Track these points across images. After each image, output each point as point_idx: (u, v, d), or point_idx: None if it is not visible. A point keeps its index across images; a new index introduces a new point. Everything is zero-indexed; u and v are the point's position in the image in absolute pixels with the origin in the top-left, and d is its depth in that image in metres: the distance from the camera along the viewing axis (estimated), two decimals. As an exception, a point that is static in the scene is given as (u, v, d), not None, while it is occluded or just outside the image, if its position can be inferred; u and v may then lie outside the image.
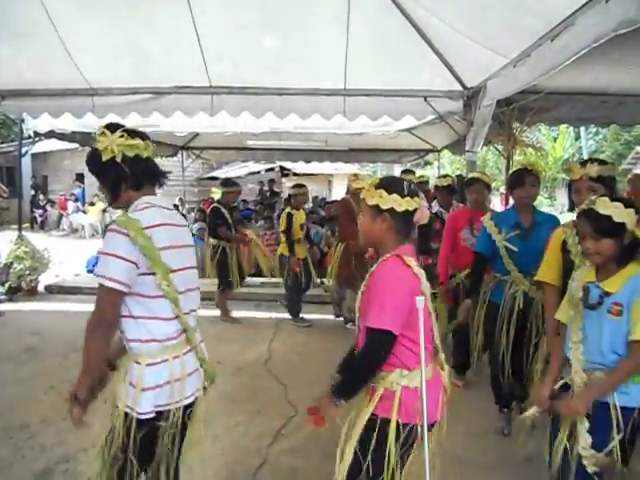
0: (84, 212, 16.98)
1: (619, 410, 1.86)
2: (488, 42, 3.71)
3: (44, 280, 7.35)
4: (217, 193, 17.70)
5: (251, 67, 4.74)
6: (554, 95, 4.48)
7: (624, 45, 3.14)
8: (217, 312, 6.20)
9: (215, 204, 5.96)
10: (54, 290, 7.46)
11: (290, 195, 6.05)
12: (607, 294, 1.92)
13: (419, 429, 1.71)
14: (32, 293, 6.94)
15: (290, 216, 5.77)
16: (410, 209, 1.76)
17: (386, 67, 4.68)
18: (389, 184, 1.79)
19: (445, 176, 4.82)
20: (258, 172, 16.05)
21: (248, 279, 8.09)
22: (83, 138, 6.81)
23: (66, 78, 4.92)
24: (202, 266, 8.84)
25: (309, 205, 13.50)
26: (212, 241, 6.01)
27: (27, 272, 6.74)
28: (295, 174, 16.07)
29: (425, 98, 4.81)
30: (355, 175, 5.69)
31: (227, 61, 4.76)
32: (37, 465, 2.82)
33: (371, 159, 11.22)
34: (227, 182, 6.16)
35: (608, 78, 4.23)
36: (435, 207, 4.67)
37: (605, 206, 1.90)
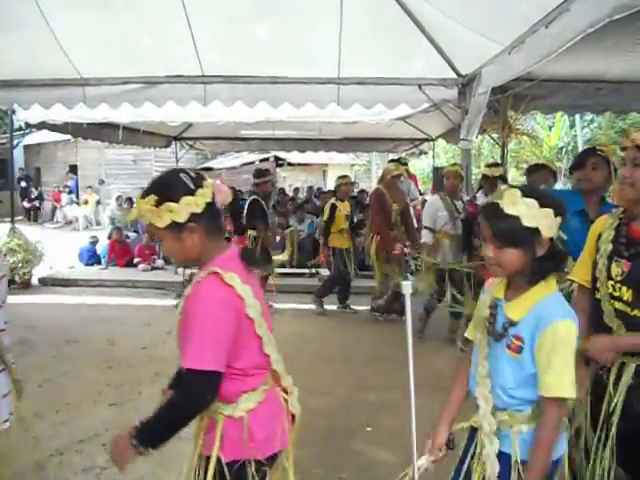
0: (78, 204, 16.91)
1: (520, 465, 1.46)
2: (482, 29, 3.68)
3: (38, 272, 7.32)
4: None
5: (244, 56, 4.69)
6: (549, 82, 4.46)
7: (619, 31, 3.13)
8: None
9: (253, 195, 5.83)
10: (48, 282, 7.44)
11: (335, 186, 6.06)
12: (511, 323, 1.48)
13: (252, 465, 1.45)
14: (26, 286, 6.92)
15: (334, 207, 5.76)
16: (210, 200, 1.42)
17: (380, 55, 4.64)
18: (165, 189, 1.41)
19: (496, 165, 4.56)
20: (252, 162, 15.98)
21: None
22: (75, 129, 6.75)
23: (57, 68, 4.86)
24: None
25: (304, 195, 13.48)
26: (250, 232, 5.85)
27: (20, 265, 6.72)
28: (290, 164, 16.03)
29: (419, 86, 4.78)
30: (392, 161, 5.57)
31: (220, 50, 4.71)
32: (31, 458, 2.81)
33: (366, 148, 11.20)
34: (259, 172, 6.03)
35: (603, 65, 4.21)
36: (480, 198, 4.36)
37: (513, 202, 1.44)
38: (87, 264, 9.15)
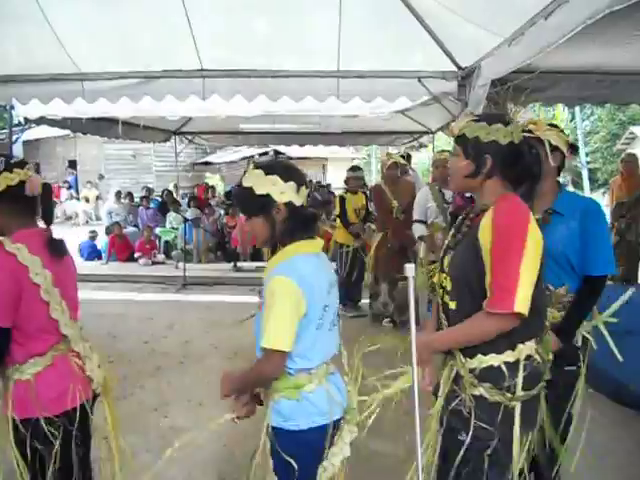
0: (77, 199, 16.90)
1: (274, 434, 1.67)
2: (482, 21, 3.66)
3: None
4: (212, 178, 17.64)
5: (243, 49, 4.67)
6: (549, 74, 4.43)
7: (619, 22, 3.12)
8: (214, 297, 6.21)
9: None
10: (49, 278, 7.44)
11: (345, 178, 5.95)
12: (261, 284, 1.71)
13: (43, 421, 1.66)
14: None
15: (342, 200, 5.61)
16: (12, 184, 1.73)
17: (380, 48, 4.62)
18: None
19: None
20: (252, 157, 15.97)
21: (243, 264, 8.10)
22: (74, 124, 6.74)
23: (55, 63, 4.83)
24: (197, 252, 8.85)
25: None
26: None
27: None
28: (289, 158, 16.00)
29: (419, 79, 4.75)
30: (388, 154, 5.41)
31: (218, 44, 4.69)
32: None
33: (365, 142, 11.17)
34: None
35: (603, 56, 4.19)
36: None
37: (247, 176, 1.66)
38: (87, 259, 9.16)
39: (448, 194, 4.59)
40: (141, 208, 10.56)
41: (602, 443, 3.12)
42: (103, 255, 9.19)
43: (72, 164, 18.27)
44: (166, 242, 9.30)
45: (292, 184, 1.62)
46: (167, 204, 10.40)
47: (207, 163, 17.37)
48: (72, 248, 8.59)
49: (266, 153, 15.66)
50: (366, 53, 4.68)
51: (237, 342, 4.63)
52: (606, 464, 2.92)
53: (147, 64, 4.84)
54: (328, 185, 13.14)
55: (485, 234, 1.57)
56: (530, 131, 2.07)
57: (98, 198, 16.40)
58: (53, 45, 4.62)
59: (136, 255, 8.85)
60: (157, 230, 9.69)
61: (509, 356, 1.60)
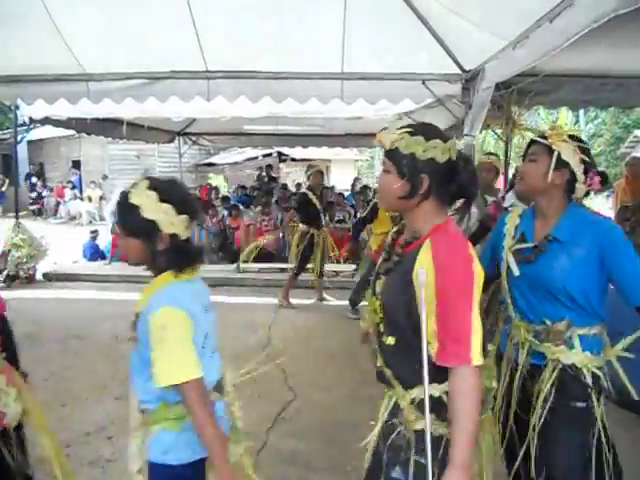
0: (81, 199, 16.95)
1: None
2: (486, 24, 3.66)
3: (42, 267, 7.35)
4: (215, 179, 17.67)
5: (247, 51, 4.69)
6: (553, 77, 4.43)
7: (624, 26, 3.11)
8: (217, 298, 6.20)
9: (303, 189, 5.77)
10: (52, 277, 7.47)
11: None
12: (136, 315, 1.62)
13: None
14: (30, 281, 6.95)
15: (376, 205, 5.38)
16: None
17: (384, 50, 4.63)
18: None
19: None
20: (256, 158, 15.99)
21: (247, 265, 8.10)
22: (79, 124, 6.77)
23: (60, 63, 4.86)
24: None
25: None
26: (301, 227, 5.87)
27: (25, 260, 6.75)
28: (293, 159, 16.02)
29: (423, 81, 4.77)
30: None
31: (223, 45, 4.70)
32: (37, 450, 2.83)
33: (369, 144, 11.16)
34: (309, 166, 6.04)
35: (608, 60, 4.19)
36: (510, 199, 3.88)
37: (138, 193, 1.52)
38: (90, 260, 9.17)
39: (490, 200, 4.26)
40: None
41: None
42: (107, 255, 9.22)
43: (76, 164, 18.33)
44: (169, 243, 9.32)
45: (184, 218, 1.53)
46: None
47: (211, 164, 17.39)
48: (75, 248, 8.59)
49: (270, 154, 15.69)
50: (370, 55, 4.69)
51: (240, 343, 4.64)
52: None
53: (152, 65, 4.86)
54: (332, 187, 13.13)
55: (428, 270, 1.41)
56: (545, 137, 1.90)
57: (102, 198, 16.44)
58: (59, 46, 4.65)
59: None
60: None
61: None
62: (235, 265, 8.08)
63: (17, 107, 5.98)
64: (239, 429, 1.71)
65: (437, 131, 1.51)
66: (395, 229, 1.64)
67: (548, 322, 1.89)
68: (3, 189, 15.78)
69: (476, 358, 1.37)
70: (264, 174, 14.23)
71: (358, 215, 6.30)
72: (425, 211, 1.50)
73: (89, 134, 7.85)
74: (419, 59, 4.65)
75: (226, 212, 9.78)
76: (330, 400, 3.50)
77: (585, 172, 1.89)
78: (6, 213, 14.14)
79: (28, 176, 17.66)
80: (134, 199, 1.50)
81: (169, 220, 1.50)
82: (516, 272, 1.91)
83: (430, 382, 1.43)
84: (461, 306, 1.38)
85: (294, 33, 4.47)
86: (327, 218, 8.84)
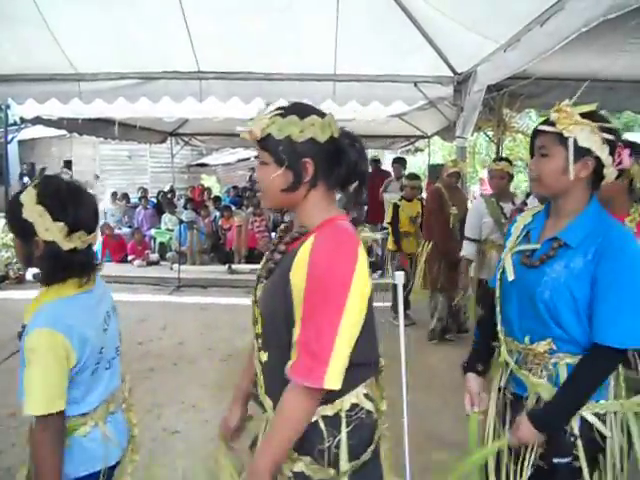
0: (73, 199, 16.84)
1: None
2: (478, 27, 3.68)
3: (32, 268, 7.31)
4: (207, 180, 17.62)
5: (240, 52, 4.68)
6: (544, 80, 4.48)
7: (614, 30, 3.15)
8: (209, 299, 6.19)
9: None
10: (42, 278, 7.42)
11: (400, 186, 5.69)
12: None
13: None
14: (20, 281, 6.90)
15: (396, 207, 5.37)
16: None
17: (376, 52, 4.64)
18: None
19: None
20: (248, 159, 15.97)
21: (238, 266, 8.09)
22: (70, 124, 6.72)
23: (52, 63, 4.82)
24: (192, 253, 8.84)
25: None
26: None
27: (14, 260, 6.70)
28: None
29: (415, 83, 4.78)
30: (454, 162, 4.89)
31: (216, 46, 4.69)
32: (26, 452, 2.81)
33: (369, 144, 11.20)
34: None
35: (598, 63, 4.23)
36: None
37: (28, 191, 1.41)
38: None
39: (507, 207, 4.04)
40: (140, 208, 10.54)
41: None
42: (98, 255, 9.19)
43: (67, 164, 18.21)
44: (161, 243, 9.29)
45: (61, 226, 1.38)
46: (162, 205, 10.39)
47: (203, 165, 17.34)
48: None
49: (262, 155, 15.66)
50: (363, 57, 4.70)
51: (231, 345, 4.63)
52: None
53: (144, 65, 4.84)
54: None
55: (298, 273, 1.22)
56: (551, 122, 1.50)
57: (94, 199, 16.36)
58: (50, 45, 4.61)
59: (129, 257, 8.84)
60: (152, 231, 9.68)
61: (327, 410, 1.27)
62: (227, 266, 8.06)
63: (8, 106, 5.94)
64: (136, 437, 1.63)
65: (311, 108, 1.31)
66: (283, 226, 1.46)
67: (526, 340, 1.55)
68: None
69: (329, 382, 1.16)
70: (255, 174, 14.22)
71: (385, 223, 5.96)
72: (313, 203, 1.30)
73: (81, 134, 7.80)
74: (411, 61, 4.67)
75: (218, 213, 9.76)
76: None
77: (611, 152, 1.50)
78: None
79: (21, 176, 17.53)
80: (22, 197, 1.39)
81: (44, 225, 1.36)
82: (510, 276, 1.58)
83: None
84: (327, 317, 1.18)
85: (287, 34, 4.46)
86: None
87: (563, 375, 1.49)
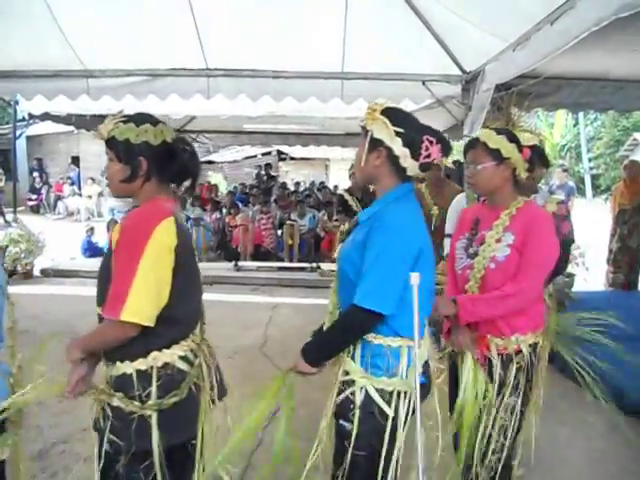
0: (80, 195, 16.92)
1: None
2: (487, 25, 3.66)
3: (39, 263, 7.34)
4: (214, 177, 17.65)
5: (248, 49, 4.68)
6: (553, 80, 4.44)
7: (625, 30, 3.12)
8: (214, 296, 6.19)
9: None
10: (50, 273, 7.46)
11: None
12: None
13: None
14: (28, 276, 6.94)
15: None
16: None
17: (385, 50, 4.63)
18: None
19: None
20: (255, 156, 15.99)
21: (244, 263, 8.09)
22: (78, 120, 6.75)
23: (60, 59, 4.84)
24: (198, 250, 8.85)
25: (306, 186, 13.46)
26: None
27: (22, 255, 6.74)
28: (292, 158, 16.02)
29: (423, 82, 4.76)
30: None
31: (224, 43, 4.69)
32: (34, 446, 2.83)
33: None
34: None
35: (608, 63, 4.20)
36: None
37: None
38: (87, 256, 9.14)
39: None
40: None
41: (599, 450, 3.12)
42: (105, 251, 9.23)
43: (75, 160, 18.30)
44: (167, 240, 9.32)
45: None
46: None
47: (210, 162, 17.38)
48: (73, 245, 8.57)
49: (269, 153, 15.68)
50: (371, 55, 4.69)
51: (237, 342, 4.64)
52: (603, 470, 2.92)
53: (152, 63, 4.85)
54: (336, 187, 13.13)
55: (115, 235, 1.55)
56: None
57: (100, 195, 16.41)
58: (59, 41, 4.63)
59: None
60: (158, 227, 9.71)
61: (141, 364, 1.59)
62: (233, 263, 8.08)
63: (16, 102, 5.96)
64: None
65: (148, 117, 1.66)
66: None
67: (340, 309, 1.80)
68: (1, 184, 15.73)
69: (126, 315, 1.47)
70: (263, 172, 14.23)
71: None
72: (148, 192, 1.66)
73: (88, 130, 7.83)
74: (419, 60, 4.65)
75: (225, 210, 9.77)
76: (325, 399, 3.51)
77: (408, 145, 1.64)
78: (6, 208, 14.11)
79: (32, 171, 17.64)
80: None
81: None
82: (335, 254, 1.89)
83: (124, 359, 1.59)
84: (126, 265, 1.49)
85: (295, 32, 4.45)
86: (325, 217, 8.88)
87: (357, 353, 1.73)
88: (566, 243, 2.55)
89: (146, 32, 4.58)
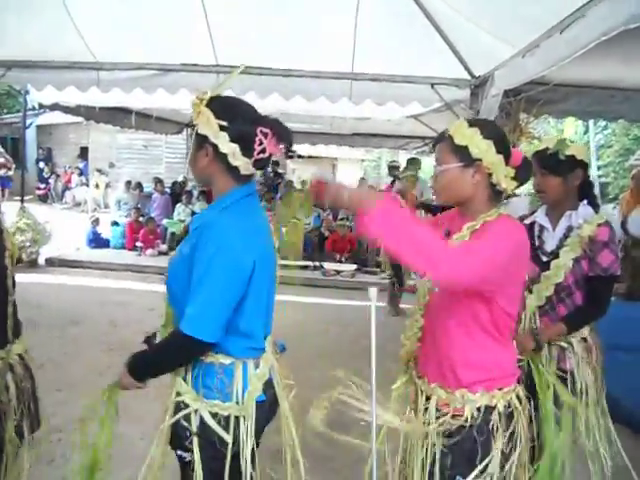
0: (87, 186, 17.02)
1: None
2: (497, 31, 3.66)
3: (45, 253, 7.39)
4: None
5: (259, 47, 4.69)
6: (562, 87, 4.42)
7: (635, 39, 3.11)
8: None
9: None
10: (55, 263, 7.52)
11: None
12: None
13: None
14: (33, 265, 7.00)
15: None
16: None
17: (394, 52, 4.63)
18: None
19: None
20: (262, 152, 15.98)
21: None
22: (87, 112, 6.79)
23: (72, 51, 4.88)
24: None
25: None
26: None
27: (28, 244, 6.79)
28: (300, 156, 16.01)
29: (432, 85, 4.76)
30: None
31: (235, 40, 4.71)
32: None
33: (376, 144, 11.18)
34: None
35: (618, 72, 4.18)
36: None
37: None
38: (94, 247, 9.21)
39: None
40: (155, 195, 10.63)
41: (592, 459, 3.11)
42: (111, 242, 9.30)
43: (84, 151, 18.39)
44: (172, 233, 9.36)
45: None
46: (176, 195, 10.48)
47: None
48: (79, 235, 8.62)
49: (277, 150, 15.67)
50: (381, 57, 4.69)
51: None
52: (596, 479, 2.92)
53: (163, 57, 4.88)
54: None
55: None
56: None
57: (108, 186, 16.49)
58: (71, 33, 4.66)
59: (138, 244, 8.92)
60: (164, 221, 9.75)
61: None
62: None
63: (27, 92, 6.00)
64: None
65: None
66: None
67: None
68: (10, 173, 15.85)
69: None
70: (270, 169, 14.24)
71: None
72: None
73: (98, 122, 7.88)
74: (429, 63, 4.65)
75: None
76: (323, 398, 3.53)
77: (237, 140, 1.48)
78: (13, 197, 14.21)
79: (37, 161, 17.74)
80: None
81: None
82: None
83: None
84: None
85: (306, 31, 4.47)
86: (330, 216, 8.89)
87: (189, 371, 1.61)
88: (605, 280, 2.20)
89: (158, 27, 4.61)
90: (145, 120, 7.89)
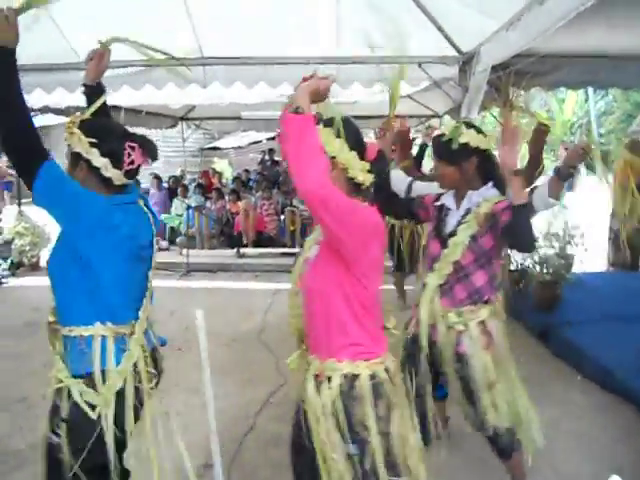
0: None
1: None
2: (481, 5, 3.61)
3: (45, 255, 7.44)
4: (219, 163, 17.65)
5: (241, 36, 4.64)
6: (550, 58, 4.37)
7: (622, 5, 3.07)
8: (217, 283, 6.26)
9: None
10: (56, 265, 7.56)
11: None
12: None
13: None
14: (34, 268, 7.03)
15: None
16: None
17: (379, 33, 4.56)
18: None
19: None
20: (259, 141, 15.93)
21: (247, 250, 8.11)
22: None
23: (56, 52, 4.85)
24: (200, 238, 8.90)
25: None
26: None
27: (28, 247, 6.82)
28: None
29: (419, 64, 4.71)
30: None
31: (218, 30, 4.66)
32: (33, 435, 2.91)
33: (371, 126, 11.10)
34: None
35: (607, 40, 4.11)
36: None
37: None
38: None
39: None
40: (153, 191, 10.61)
41: (587, 430, 3.13)
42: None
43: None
44: (171, 228, 9.38)
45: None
46: (173, 190, 10.46)
47: (215, 148, 17.36)
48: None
49: (273, 138, 15.61)
50: (365, 38, 4.62)
51: (236, 329, 4.70)
52: (590, 451, 2.94)
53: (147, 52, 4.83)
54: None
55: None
56: None
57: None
58: (53, 34, 4.63)
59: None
60: (162, 217, 9.77)
61: None
62: (235, 250, 8.12)
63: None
64: None
65: None
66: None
67: None
68: (11, 178, 15.87)
69: None
70: (267, 158, 14.20)
71: None
72: None
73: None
74: (415, 42, 4.57)
75: (227, 197, 9.80)
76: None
77: (109, 153, 1.79)
78: (14, 200, 14.26)
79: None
80: None
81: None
82: None
83: None
84: None
85: (289, 18, 4.41)
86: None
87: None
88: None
89: (140, 23, 4.54)
90: (136, 116, 7.85)
